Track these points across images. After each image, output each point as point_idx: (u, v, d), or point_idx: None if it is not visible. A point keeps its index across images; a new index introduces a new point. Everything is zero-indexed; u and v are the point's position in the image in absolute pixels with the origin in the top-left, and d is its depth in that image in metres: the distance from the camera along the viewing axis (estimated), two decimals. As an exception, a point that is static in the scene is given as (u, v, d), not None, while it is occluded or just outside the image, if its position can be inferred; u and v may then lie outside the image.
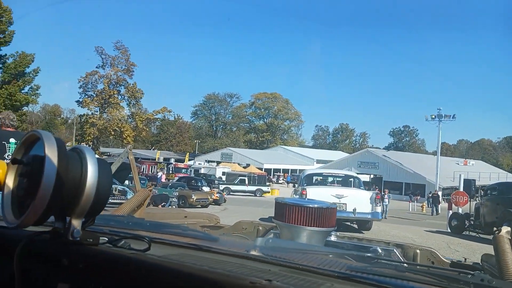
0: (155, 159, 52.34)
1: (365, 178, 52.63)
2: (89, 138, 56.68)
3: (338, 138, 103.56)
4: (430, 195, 33.00)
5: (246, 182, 35.36)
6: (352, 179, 14.52)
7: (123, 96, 58.40)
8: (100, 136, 58.64)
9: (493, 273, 1.73)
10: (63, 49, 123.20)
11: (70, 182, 1.04)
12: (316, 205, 2.41)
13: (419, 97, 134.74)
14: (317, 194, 11.44)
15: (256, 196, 33.11)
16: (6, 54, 40.82)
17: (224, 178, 39.42)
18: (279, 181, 55.32)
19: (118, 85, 58.18)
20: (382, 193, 22.33)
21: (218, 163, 52.23)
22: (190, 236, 1.55)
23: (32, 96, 42.37)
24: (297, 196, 11.62)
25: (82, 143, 58.01)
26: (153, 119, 63.04)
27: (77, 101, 57.34)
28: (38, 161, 1.02)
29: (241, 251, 1.33)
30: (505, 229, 1.80)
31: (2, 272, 1.17)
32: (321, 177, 15.42)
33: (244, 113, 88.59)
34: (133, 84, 57.99)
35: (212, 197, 21.21)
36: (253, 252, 1.33)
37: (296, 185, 18.56)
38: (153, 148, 73.60)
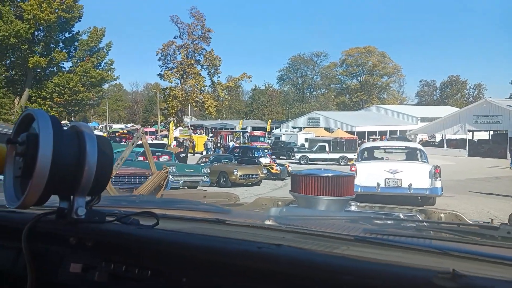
0: (237, 129, 49.59)
1: (483, 135, 43.46)
2: (173, 111, 55.82)
3: (447, 93, 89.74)
4: None
5: (327, 148, 29.80)
6: (414, 152, 13.22)
7: (202, 66, 56.28)
8: (184, 108, 57.49)
9: None
10: (137, 22, 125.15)
11: (68, 160, 1.02)
12: (330, 174, 2.40)
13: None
14: (368, 170, 11.42)
15: (340, 164, 27.48)
16: (79, 31, 40.22)
17: (307, 145, 34.65)
18: (375, 145, 48.30)
19: (195, 54, 56.07)
20: None
21: (302, 128, 47.12)
22: (203, 210, 1.56)
23: (108, 72, 41.70)
24: None
25: (169, 118, 57.61)
26: (234, 86, 60.02)
27: (159, 74, 56.75)
28: (32, 139, 0.99)
29: (256, 221, 1.32)
30: None
31: (18, 256, 1.16)
32: (378, 151, 14.35)
33: (334, 72, 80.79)
34: (210, 51, 55.43)
35: (264, 172, 16.56)
36: (267, 222, 1.33)
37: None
38: (246, 118, 71.21)
